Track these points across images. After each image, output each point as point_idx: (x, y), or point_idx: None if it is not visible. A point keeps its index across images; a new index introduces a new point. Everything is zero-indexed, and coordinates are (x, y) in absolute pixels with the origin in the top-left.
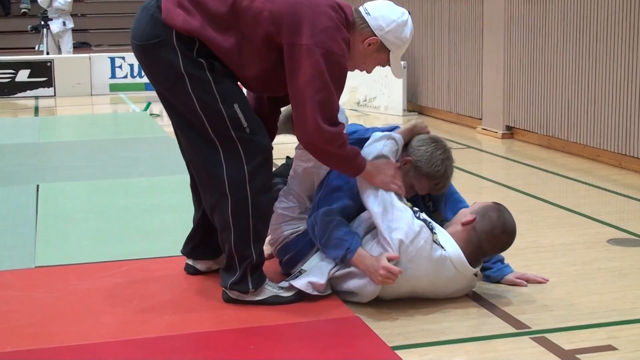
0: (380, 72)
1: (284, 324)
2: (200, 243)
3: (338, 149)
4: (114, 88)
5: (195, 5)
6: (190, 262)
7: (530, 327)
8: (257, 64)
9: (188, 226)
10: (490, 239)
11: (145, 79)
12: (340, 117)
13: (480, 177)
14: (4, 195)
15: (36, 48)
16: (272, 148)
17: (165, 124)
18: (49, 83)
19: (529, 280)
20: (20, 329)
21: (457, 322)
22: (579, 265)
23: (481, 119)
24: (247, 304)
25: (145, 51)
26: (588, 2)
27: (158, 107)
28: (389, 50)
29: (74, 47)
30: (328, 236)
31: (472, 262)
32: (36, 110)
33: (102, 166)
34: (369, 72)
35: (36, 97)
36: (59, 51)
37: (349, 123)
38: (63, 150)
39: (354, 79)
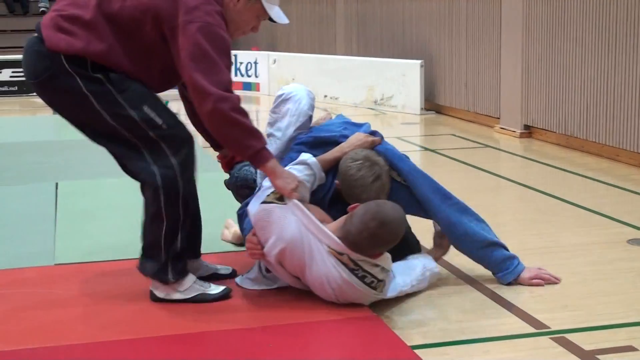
0: (398, 70)
1: (302, 322)
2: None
3: (237, 114)
4: None
5: (72, 22)
6: None
7: (549, 327)
8: (150, 62)
9: (207, 224)
10: (358, 224)
11: None
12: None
13: (498, 177)
14: (23, 193)
15: None
16: (192, 137)
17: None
18: None
19: (543, 280)
20: (39, 326)
21: (476, 321)
22: (598, 265)
23: (499, 118)
24: (177, 303)
25: (43, 87)
26: (607, 0)
27: (176, 106)
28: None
29: None
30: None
31: (358, 251)
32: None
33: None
34: (255, 30)
35: None
36: None
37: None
38: (81, 148)
39: (370, 76)
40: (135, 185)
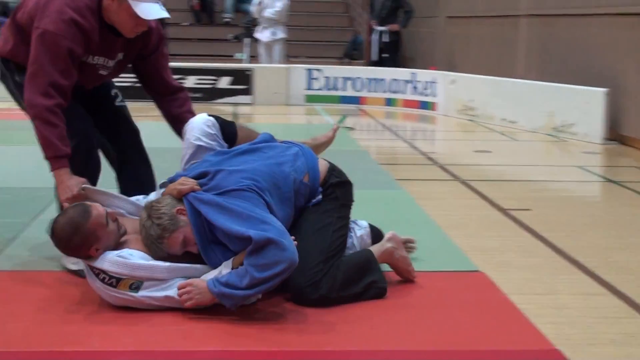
0: (580, 98)
1: (463, 350)
2: None
3: (38, 121)
4: (310, 99)
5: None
6: None
7: None
8: None
9: None
10: None
11: (340, 92)
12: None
13: None
14: None
15: (236, 56)
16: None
17: (360, 138)
18: (248, 91)
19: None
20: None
21: None
22: None
23: None
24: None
25: None
26: None
27: (352, 121)
28: None
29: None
30: None
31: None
32: (234, 116)
33: None
34: (135, 30)
35: (235, 104)
36: (270, 60)
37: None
38: None
39: (551, 102)
40: None
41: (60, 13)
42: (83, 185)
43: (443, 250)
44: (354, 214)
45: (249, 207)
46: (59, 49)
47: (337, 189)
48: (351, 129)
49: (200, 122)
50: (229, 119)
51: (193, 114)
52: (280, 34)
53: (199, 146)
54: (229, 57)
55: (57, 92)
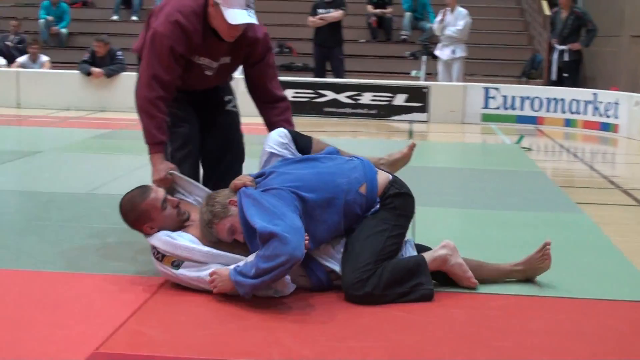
0: None
1: None
2: None
3: (143, 111)
4: (486, 118)
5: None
6: None
7: None
8: None
9: (564, 265)
10: None
11: (517, 111)
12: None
13: None
14: None
15: (412, 74)
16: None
17: (537, 159)
18: (424, 108)
19: None
20: None
21: None
22: None
23: None
24: None
25: None
26: None
27: (529, 141)
28: (218, 4)
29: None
30: None
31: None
32: (410, 134)
33: (473, 195)
34: (230, 34)
35: (410, 121)
36: (448, 78)
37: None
38: (435, 176)
39: None
40: (487, 219)
41: (168, 15)
42: (170, 171)
43: (627, 278)
44: (532, 235)
45: (277, 204)
46: (162, 47)
47: (395, 199)
48: (528, 149)
49: (275, 134)
50: (405, 136)
51: (290, 124)
52: (460, 52)
53: (272, 153)
54: (404, 75)
55: (159, 85)
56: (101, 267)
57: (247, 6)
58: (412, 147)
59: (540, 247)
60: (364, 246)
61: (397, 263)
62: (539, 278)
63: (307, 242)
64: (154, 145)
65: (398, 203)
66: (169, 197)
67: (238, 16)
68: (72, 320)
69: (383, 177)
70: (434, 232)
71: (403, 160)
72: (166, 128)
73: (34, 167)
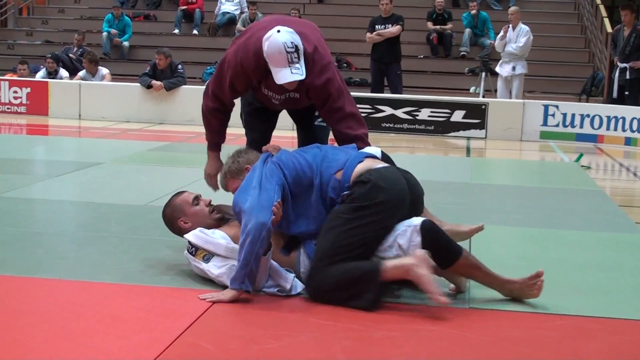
0: None
1: None
2: None
3: (204, 117)
4: (545, 136)
5: None
6: None
7: None
8: None
9: (623, 286)
10: None
11: (577, 129)
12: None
13: None
14: None
15: (471, 90)
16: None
17: (597, 177)
18: (482, 125)
19: None
20: None
21: None
22: None
23: None
24: None
25: None
26: None
27: (589, 159)
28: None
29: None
30: None
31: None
32: (468, 150)
33: (531, 213)
34: (282, 86)
35: (468, 138)
36: (507, 95)
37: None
38: (493, 193)
39: None
40: (546, 238)
41: (238, 49)
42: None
43: None
44: (591, 255)
45: (262, 178)
46: (223, 74)
47: (357, 188)
48: (588, 167)
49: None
50: (462, 152)
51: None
52: (521, 69)
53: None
54: (463, 91)
55: (216, 99)
56: (158, 280)
57: (290, 63)
58: (479, 229)
59: (533, 275)
60: (318, 243)
61: (347, 270)
62: (597, 299)
63: (275, 208)
64: (210, 144)
65: (358, 193)
66: (202, 196)
67: (280, 77)
68: (129, 332)
69: (364, 165)
70: (492, 250)
71: (467, 234)
72: (223, 132)
73: (93, 178)
